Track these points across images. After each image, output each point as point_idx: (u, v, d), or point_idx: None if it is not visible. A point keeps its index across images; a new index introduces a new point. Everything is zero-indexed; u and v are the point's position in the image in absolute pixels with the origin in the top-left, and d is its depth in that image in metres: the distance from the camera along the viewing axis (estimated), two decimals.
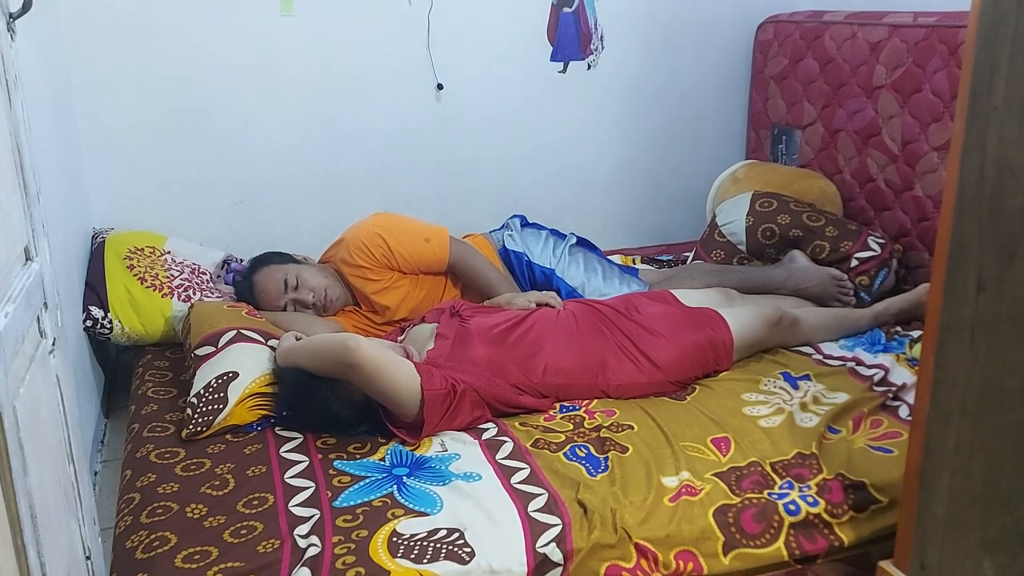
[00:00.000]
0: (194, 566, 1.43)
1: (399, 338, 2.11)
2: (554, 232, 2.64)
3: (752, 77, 3.29)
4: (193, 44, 2.65)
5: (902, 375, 2.03)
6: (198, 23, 2.64)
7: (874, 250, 2.53)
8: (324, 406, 1.81)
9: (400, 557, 1.44)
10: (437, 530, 1.51)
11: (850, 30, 2.80)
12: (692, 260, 2.80)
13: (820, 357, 2.21)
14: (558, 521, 1.52)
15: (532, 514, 1.54)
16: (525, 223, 2.67)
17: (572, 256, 2.55)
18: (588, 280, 2.49)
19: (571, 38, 3.08)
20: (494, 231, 2.66)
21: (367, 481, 1.66)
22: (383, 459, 1.75)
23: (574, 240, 2.61)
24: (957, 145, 1.14)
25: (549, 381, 1.99)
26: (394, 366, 1.78)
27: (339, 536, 1.49)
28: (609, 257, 2.70)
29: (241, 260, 2.64)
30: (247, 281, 2.39)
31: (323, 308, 2.37)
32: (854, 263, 2.52)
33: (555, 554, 1.47)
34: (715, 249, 2.74)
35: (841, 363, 2.16)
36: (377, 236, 2.35)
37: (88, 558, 1.29)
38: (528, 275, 2.52)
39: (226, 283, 2.59)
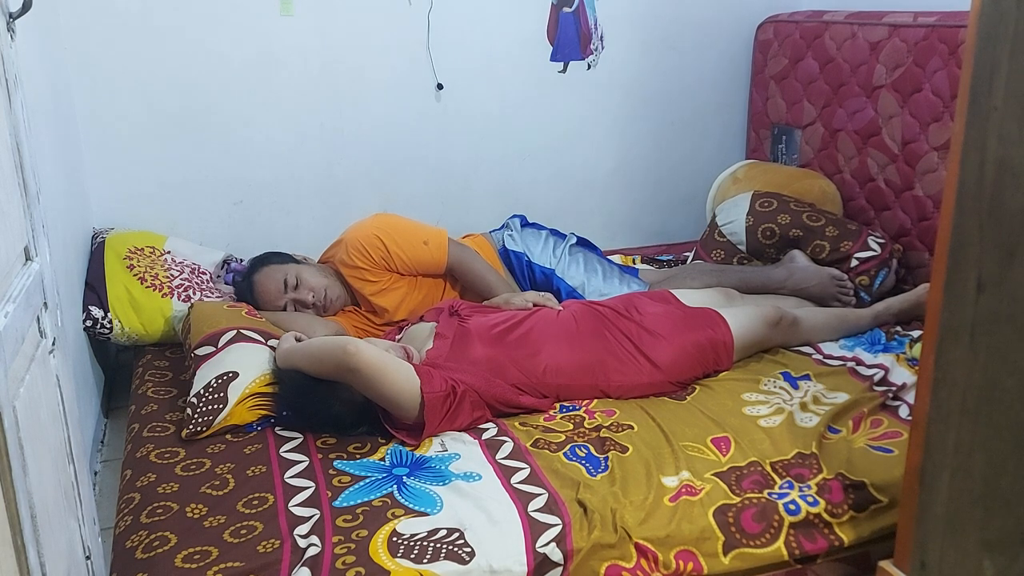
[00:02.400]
0: (194, 566, 1.43)
1: (397, 337, 2.10)
2: (554, 232, 2.63)
3: (752, 77, 3.29)
4: (193, 44, 2.65)
5: (902, 375, 2.03)
6: (198, 23, 2.64)
7: (874, 250, 2.53)
8: (324, 407, 1.81)
9: (400, 557, 1.44)
10: (437, 530, 1.51)
11: (850, 30, 2.80)
12: (692, 260, 2.80)
13: (820, 357, 2.21)
14: (558, 521, 1.52)
15: (532, 514, 1.54)
16: (525, 223, 2.67)
17: (572, 256, 2.55)
18: (588, 280, 2.49)
19: (571, 38, 3.08)
20: (494, 231, 2.66)
21: (367, 481, 1.66)
22: (383, 459, 1.75)
23: (574, 240, 2.61)
24: (957, 145, 1.14)
25: (549, 381, 1.99)
26: (394, 369, 1.78)
27: (339, 536, 1.49)
28: (609, 257, 2.70)
29: (241, 260, 2.64)
30: (247, 281, 2.39)
31: (323, 308, 2.37)
32: (854, 263, 2.52)
33: (555, 554, 1.47)
34: (715, 249, 2.74)
35: (841, 363, 2.16)
36: (375, 238, 2.34)
37: (88, 558, 1.29)
38: (528, 275, 2.52)
39: (226, 283, 2.59)
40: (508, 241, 2.57)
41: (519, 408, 1.95)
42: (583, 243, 2.64)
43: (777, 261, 2.64)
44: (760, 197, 2.72)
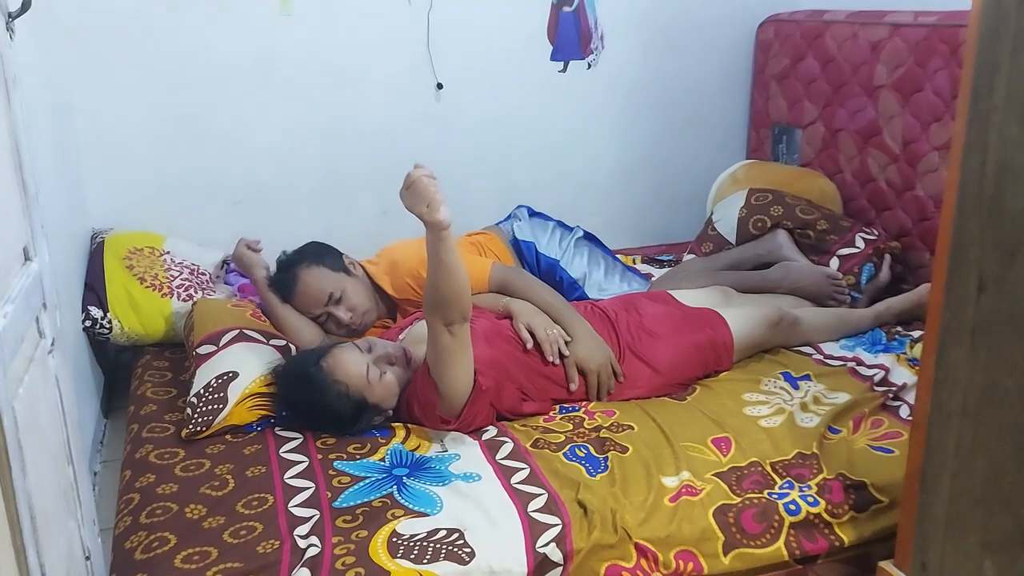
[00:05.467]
0: (193, 567, 1.42)
1: (399, 337, 2.10)
2: (561, 224, 2.62)
3: (753, 76, 3.29)
4: (193, 43, 2.65)
5: (903, 375, 2.03)
6: (198, 22, 2.63)
7: (858, 247, 2.53)
8: (321, 401, 1.80)
9: (400, 557, 1.44)
10: (437, 530, 1.51)
11: (851, 30, 2.80)
12: (686, 257, 2.81)
13: (821, 357, 2.20)
14: (558, 521, 1.52)
15: (532, 514, 1.54)
16: (532, 213, 2.66)
17: (577, 249, 2.55)
18: (590, 272, 2.49)
19: (571, 37, 3.08)
20: (501, 222, 2.65)
21: (367, 481, 1.66)
22: (383, 459, 1.75)
23: (580, 234, 2.60)
24: (958, 145, 1.14)
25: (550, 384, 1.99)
26: (471, 352, 1.78)
27: (339, 536, 1.49)
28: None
29: None
30: (291, 273, 2.23)
31: (354, 331, 2.24)
32: (835, 262, 2.51)
33: (555, 554, 1.47)
34: (705, 242, 2.75)
35: (842, 363, 2.16)
36: (421, 277, 2.15)
37: (87, 558, 1.29)
38: (535, 264, 2.51)
39: (226, 283, 2.58)
40: (517, 231, 2.56)
41: (520, 415, 1.94)
42: (590, 238, 2.63)
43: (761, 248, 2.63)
44: (756, 192, 2.72)
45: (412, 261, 2.24)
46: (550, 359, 1.96)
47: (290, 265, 2.25)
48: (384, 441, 1.82)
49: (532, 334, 1.99)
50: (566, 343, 1.99)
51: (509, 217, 2.65)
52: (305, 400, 1.82)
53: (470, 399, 1.79)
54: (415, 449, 1.79)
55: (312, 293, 2.21)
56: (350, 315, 2.21)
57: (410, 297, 2.28)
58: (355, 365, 1.82)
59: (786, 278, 2.49)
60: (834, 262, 2.52)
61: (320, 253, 2.27)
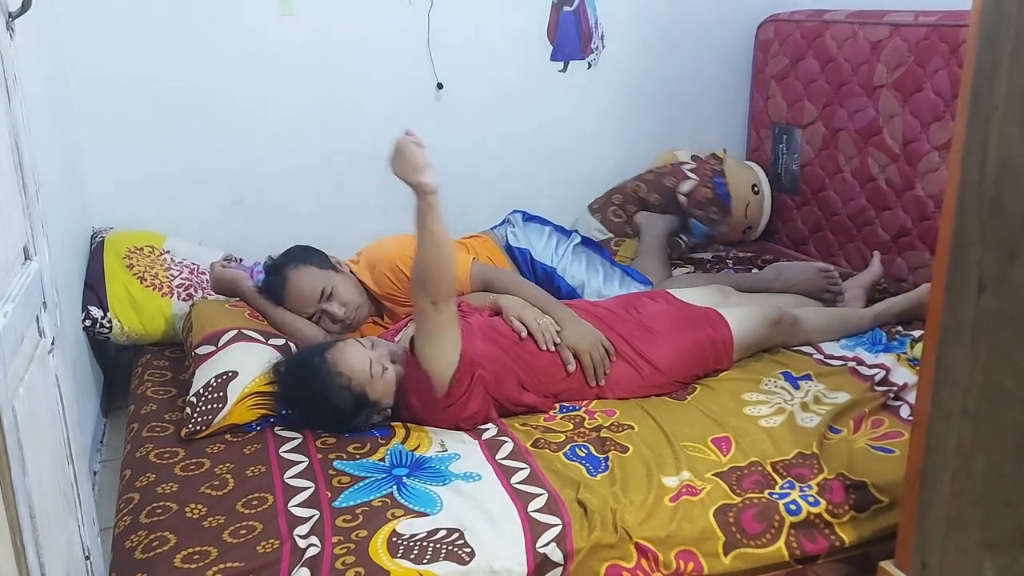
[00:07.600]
0: (193, 566, 1.42)
1: (396, 338, 2.10)
2: (559, 229, 2.61)
3: (753, 76, 3.29)
4: (193, 43, 2.65)
5: (903, 375, 2.03)
6: (198, 23, 2.64)
7: (693, 179, 2.80)
8: (324, 392, 1.80)
9: (400, 557, 1.44)
10: (437, 530, 1.51)
11: (851, 29, 2.80)
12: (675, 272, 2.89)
13: (821, 357, 2.20)
14: (558, 521, 1.52)
15: (532, 514, 1.54)
16: (528, 217, 2.65)
17: (575, 255, 2.53)
18: (588, 280, 2.48)
19: (571, 37, 3.08)
20: (496, 227, 2.65)
21: (367, 481, 1.66)
22: (383, 459, 1.75)
23: (578, 239, 2.59)
24: (958, 144, 1.14)
25: (549, 382, 1.98)
26: (458, 328, 1.80)
27: (339, 536, 1.49)
28: (613, 258, 2.68)
29: (240, 260, 2.62)
30: (280, 276, 2.25)
31: (349, 326, 2.26)
32: (682, 199, 2.84)
33: (555, 554, 1.47)
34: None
35: (842, 363, 2.16)
36: (398, 271, 2.25)
37: (87, 558, 1.29)
38: (531, 271, 2.50)
39: None
40: (511, 237, 2.55)
41: (521, 406, 1.95)
42: (588, 243, 2.62)
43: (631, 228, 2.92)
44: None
45: (390, 255, 2.28)
46: (544, 347, 1.99)
47: (278, 268, 2.27)
48: (384, 441, 1.82)
49: (524, 325, 2.03)
50: (556, 331, 2.03)
51: (504, 222, 2.64)
52: (307, 391, 1.83)
53: (458, 374, 1.79)
54: (415, 449, 1.78)
55: (303, 292, 2.23)
56: (343, 310, 2.23)
57: (390, 292, 2.30)
58: (359, 359, 1.83)
59: (779, 277, 2.50)
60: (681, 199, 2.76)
61: (305, 254, 2.30)
